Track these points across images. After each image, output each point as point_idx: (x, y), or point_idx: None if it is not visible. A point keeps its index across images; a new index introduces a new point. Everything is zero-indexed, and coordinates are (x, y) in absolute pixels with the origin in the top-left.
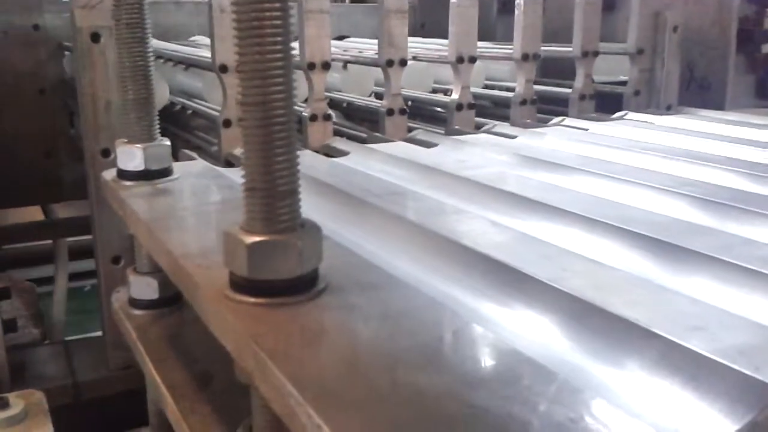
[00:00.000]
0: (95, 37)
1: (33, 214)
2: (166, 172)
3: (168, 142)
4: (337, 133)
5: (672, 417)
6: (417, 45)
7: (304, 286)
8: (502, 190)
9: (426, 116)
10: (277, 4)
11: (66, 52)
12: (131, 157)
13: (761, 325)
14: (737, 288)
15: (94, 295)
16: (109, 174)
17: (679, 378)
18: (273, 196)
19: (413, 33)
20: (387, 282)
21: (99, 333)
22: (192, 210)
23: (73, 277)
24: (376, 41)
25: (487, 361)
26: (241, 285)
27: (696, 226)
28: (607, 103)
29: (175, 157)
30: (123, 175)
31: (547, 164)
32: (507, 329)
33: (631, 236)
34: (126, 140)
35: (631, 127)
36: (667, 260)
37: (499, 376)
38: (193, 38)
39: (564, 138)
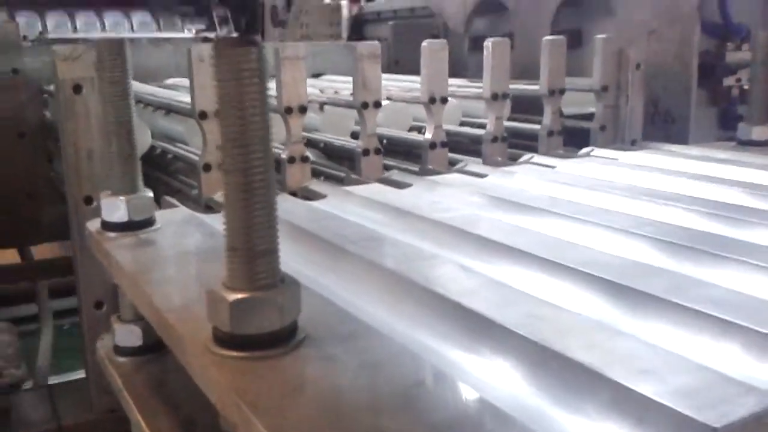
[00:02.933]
0: (77, 89)
1: (8, 255)
2: (149, 222)
3: (150, 193)
4: (316, 173)
5: None
6: (392, 82)
7: (284, 338)
8: (472, 234)
9: (403, 153)
10: (255, 82)
11: (45, 96)
12: (115, 209)
13: (705, 367)
14: (687, 330)
15: (73, 334)
16: (94, 225)
17: (628, 421)
18: (253, 256)
19: (388, 69)
20: (363, 332)
21: (81, 373)
22: (175, 261)
23: (53, 315)
24: (351, 78)
25: (455, 408)
26: (223, 340)
27: (652, 268)
28: (575, 137)
29: (158, 201)
30: (107, 226)
31: (515, 205)
32: (474, 375)
33: (591, 280)
34: (110, 192)
35: (597, 165)
36: (624, 303)
37: (465, 421)
38: (171, 80)
39: (532, 177)
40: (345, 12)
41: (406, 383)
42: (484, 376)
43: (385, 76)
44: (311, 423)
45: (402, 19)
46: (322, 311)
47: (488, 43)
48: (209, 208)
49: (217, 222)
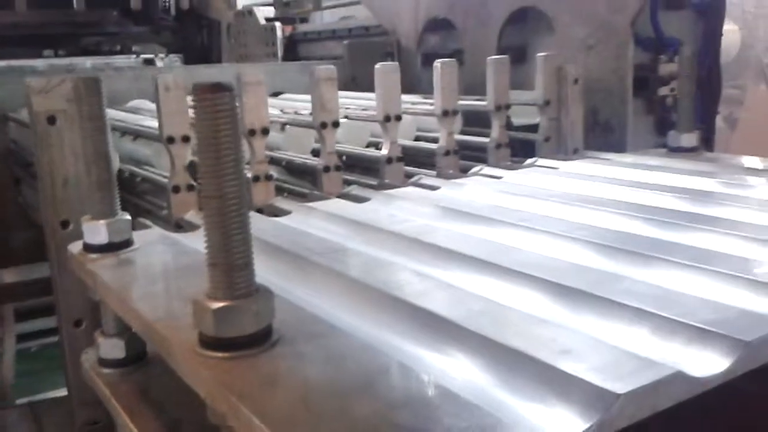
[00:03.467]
0: (51, 120)
1: None
2: (127, 243)
3: (128, 217)
4: (280, 189)
5: (540, 418)
6: (350, 100)
7: (260, 340)
8: (425, 242)
9: (362, 168)
10: (229, 121)
11: (11, 123)
12: (96, 232)
13: (616, 347)
14: (605, 317)
15: (40, 357)
16: (76, 247)
17: (551, 393)
18: (231, 270)
19: (345, 86)
20: (329, 331)
21: (62, 392)
22: (155, 277)
23: (20, 338)
24: (309, 96)
25: (409, 390)
26: (209, 343)
27: (581, 267)
28: (525, 146)
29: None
30: (89, 248)
31: (464, 215)
32: (426, 363)
33: (528, 279)
34: (90, 216)
35: (539, 174)
36: (554, 298)
37: (418, 400)
38: (133, 102)
39: (481, 188)
40: (279, 33)
41: (367, 372)
42: (435, 363)
43: (343, 93)
44: (288, 406)
45: (357, 38)
46: (293, 315)
47: (437, 64)
48: (179, 227)
49: (188, 240)
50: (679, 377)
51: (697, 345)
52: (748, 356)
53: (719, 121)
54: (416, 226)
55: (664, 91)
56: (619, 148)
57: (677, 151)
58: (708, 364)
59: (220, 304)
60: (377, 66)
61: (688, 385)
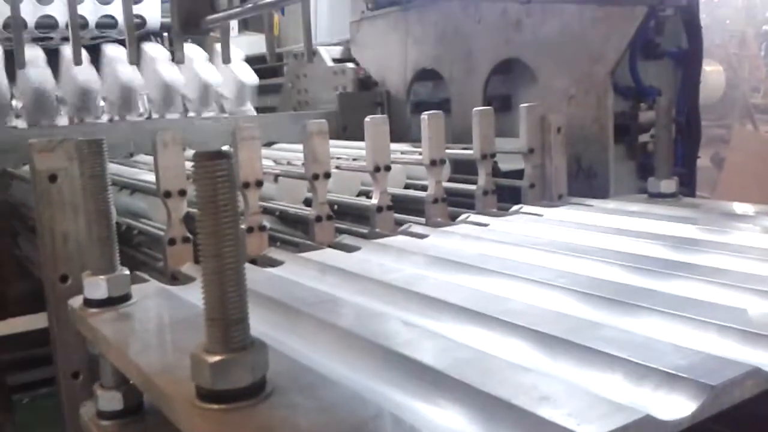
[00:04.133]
0: (53, 178)
1: None
2: (126, 298)
3: (127, 272)
4: (274, 239)
5: None
6: (341, 149)
7: (256, 391)
8: (414, 292)
9: (353, 215)
10: (227, 185)
11: (11, 180)
12: (96, 287)
13: (590, 392)
14: (581, 364)
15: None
16: (76, 302)
17: None
18: (228, 324)
19: (337, 135)
20: (321, 382)
21: None
22: (153, 331)
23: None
24: (301, 146)
25: None
26: (205, 395)
27: (561, 315)
28: (510, 192)
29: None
30: (89, 303)
31: (452, 264)
32: (412, 410)
33: (510, 327)
34: (90, 272)
35: (524, 222)
36: (534, 345)
37: None
38: (134, 158)
39: (467, 236)
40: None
41: (356, 421)
42: (422, 412)
43: (335, 142)
44: None
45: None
46: (286, 367)
47: (425, 116)
48: (175, 278)
49: (184, 293)
50: (648, 420)
51: (666, 389)
52: (714, 400)
53: (706, 161)
54: (405, 276)
55: (644, 137)
56: (603, 193)
57: (657, 197)
58: (675, 407)
59: (217, 358)
60: (367, 119)
61: (657, 428)
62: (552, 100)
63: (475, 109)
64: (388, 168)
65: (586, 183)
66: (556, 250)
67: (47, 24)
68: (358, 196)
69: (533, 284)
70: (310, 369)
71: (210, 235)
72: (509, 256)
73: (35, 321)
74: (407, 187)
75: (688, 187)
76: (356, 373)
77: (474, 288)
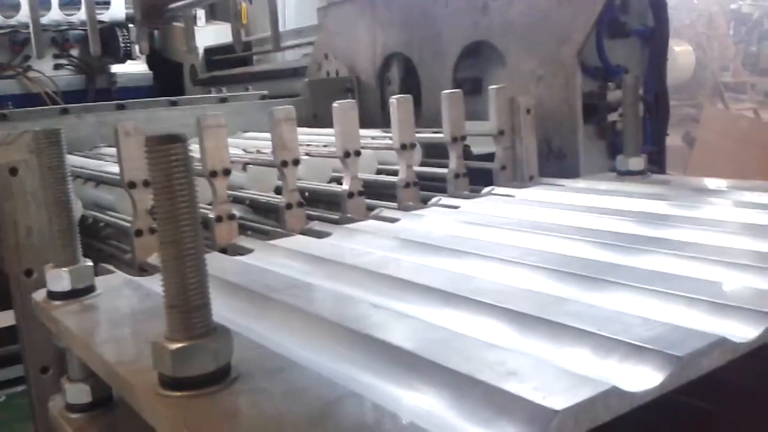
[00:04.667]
0: (13, 171)
1: None
2: (90, 289)
3: (90, 263)
4: (244, 227)
5: None
6: (312, 137)
7: (219, 378)
8: (383, 274)
9: (325, 202)
10: (182, 169)
11: None
12: (59, 279)
13: (556, 366)
14: (548, 339)
15: (8, 406)
16: (39, 295)
17: (492, 410)
18: (189, 311)
19: (307, 123)
20: (287, 366)
21: None
22: (117, 322)
23: None
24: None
25: (359, 415)
26: (168, 383)
27: (529, 292)
28: (483, 176)
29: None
30: (53, 295)
31: (422, 246)
32: (380, 390)
33: (479, 305)
34: (53, 264)
35: (495, 203)
36: (503, 322)
37: (368, 424)
38: (96, 148)
39: (439, 218)
40: None
41: (323, 404)
42: (388, 390)
43: (305, 130)
44: None
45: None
46: (252, 352)
47: (393, 100)
48: (143, 270)
49: (151, 284)
50: (614, 392)
51: (633, 361)
52: (682, 370)
53: (678, 139)
54: (375, 259)
55: (613, 117)
56: (573, 173)
57: (626, 174)
58: (643, 379)
59: (178, 345)
60: (335, 104)
61: (623, 399)
62: (521, 81)
63: (443, 92)
64: (358, 153)
65: (556, 164)
66: (526, 229)
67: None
68: (330, 182)
69: (503, 263)
70: (278, 354)
71: (167, 220)
72: (479, 237)
73: (3, 318)
74: (379, 172)
75: (657, 165)
76: (325, 356)
77: (444, 269)
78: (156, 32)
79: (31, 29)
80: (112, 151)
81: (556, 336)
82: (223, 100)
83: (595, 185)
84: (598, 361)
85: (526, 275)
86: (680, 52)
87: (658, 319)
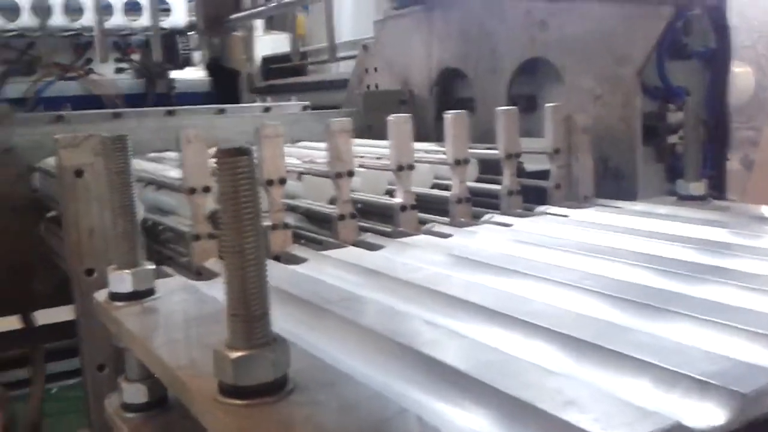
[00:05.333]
0: (79, 173)
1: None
2: (150, 292)
3: (152, 266)
4: (298, 236)
5: None
6: (366, 148)
7: (277, 388)
8: (435, 291)
9: (378, 214)
10: (248, 181)
11: (35, 173)
12: (121, 281)
13: (617, 397)
14: (608, 368)
15: (61, 398)
16: (101, 296)
17: None
18: (250, 320)
19: (362, 134)
20: (343, 380)
21: None
22: (177, 325)
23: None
24: (325, 144)
25: None
26: (228, 391)
27: (587, 317)
28: (536, 193)
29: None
30: (114, 296)
31: (475, 263)
32: (433, 410)
33: (534, 329)
34: (115, 266)
35: (549, 222)
36: (559, 347)
37: None
38: (158, 154)
39: (491, 236)
40: None
41: (377, 419)
42: (441, 410)
43: (360, 141)
44: None
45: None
46: (309, 364)
47: (447, 116)
48: (199, 274)
49: (208, 288)
50: (677, 428)
51: (696, 396)
52: (746, 408)
53: (736, 163)
54: (428, 275)
55: (673, 139)
56: (630, 195)
57: (686, 199)
58: (706, 414)
59: (239, 354)
60: (390, 117)
61: None
62: (578, 99)
63: (498, 108)
64: (411, 167)
65: (613, 184)
66: (582, 252)
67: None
68: (384, 195)
69: (558, 286)
70: (332, 367)
71: (232, 231)
72: (533, 257)
73: (63, 313)
74: (434, 186)
75: (717, 189)
76: (378, 371)
77: (497, 288)
78: (215, 40)
79: (95, 33)
80: (170, 155)
81: (616, 365)
82: (266, 109)
83: (653, 209)
84: (660, 394)
85: (582, 300)
86: (740, 74)
87: (721, 353)
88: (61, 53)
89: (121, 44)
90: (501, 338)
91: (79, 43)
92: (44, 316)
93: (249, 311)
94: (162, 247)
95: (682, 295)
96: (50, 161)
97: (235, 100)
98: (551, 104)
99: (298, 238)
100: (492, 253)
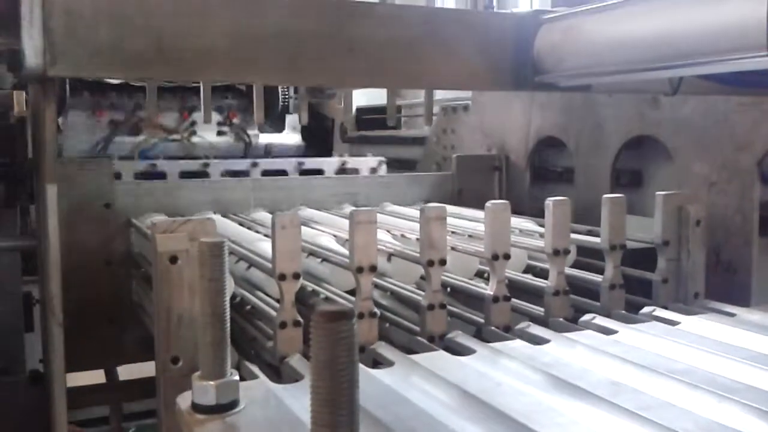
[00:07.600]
0: (173, 260)
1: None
2: (234, 404)
3: (237, 377)
4: (385, 319)
5: None
6: (456, 220)
7: None
8: (531, 429)
9: (467, 296)
10: (348, 344)
11: (132, 229)
12: (205, 392)
13: None
14: None
15: None
16: (184, 402)
17: None
18: None
19: (450, 200)
20: None
21: None
22: None
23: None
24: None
25: None
26: None
27: None
28: (639, 284)
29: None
30: (197, 408)
31: (577, 391)
32: None
33: None
34: (200, 374)
35: (658, 335)
36: None
37: None
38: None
39: (595, 349)
40: None
41: None
42: None
43: (450, 210)
44: None
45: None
46: None
47: (549, 203)
48: (282, 361)
49: (292, 398)
50: None
51: None
52: None
53: None
54: (525, 405)
55: None
56: (743, 290)
57: None
58: None
59: None
60: (488, 204)
61: None
62: (690, 184)
63: (605, 196)
64: (507, 257)
65: (724, 278)
66: (700, 384)
67: None
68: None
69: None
70: None
71: (324, 403)
72: (644, 388)
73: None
74: (528, 267)
75: None
76: None
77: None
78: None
79: (201, 95)
80: (259, 216)
81: None
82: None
83: None
84: None
85: None
86: None
87: None
88: (166, 115)
89: (224, 107)
90: None
91: (185, 107)
92: (126, 371)
93: None
94: (248, 323)
95: None
96: (147, 219)
97: (328, 146)
98: (663, 192)
99: (383, 321)
100: (597, 377)
